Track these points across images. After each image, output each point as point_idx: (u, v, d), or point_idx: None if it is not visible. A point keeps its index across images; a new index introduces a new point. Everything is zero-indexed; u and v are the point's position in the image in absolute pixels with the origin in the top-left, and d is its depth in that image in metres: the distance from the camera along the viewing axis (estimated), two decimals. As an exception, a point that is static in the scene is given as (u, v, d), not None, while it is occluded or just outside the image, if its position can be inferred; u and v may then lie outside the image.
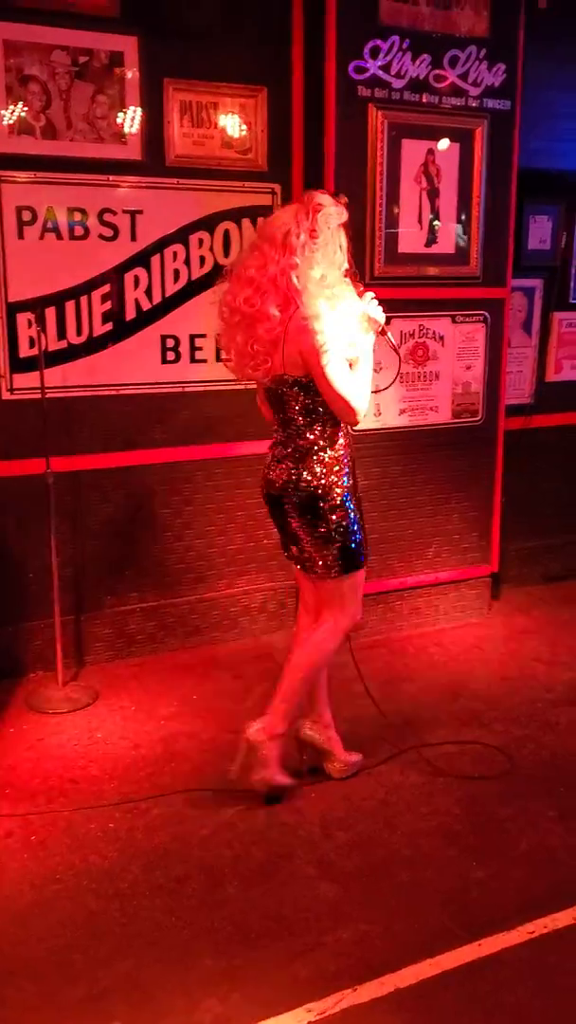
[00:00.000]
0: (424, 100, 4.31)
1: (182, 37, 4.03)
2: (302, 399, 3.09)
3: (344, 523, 3.15)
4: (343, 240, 3.06)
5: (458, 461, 4.81)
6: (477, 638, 4.80)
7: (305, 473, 3.12)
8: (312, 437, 3.12)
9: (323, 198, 3.05)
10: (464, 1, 4.32)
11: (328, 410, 3.08)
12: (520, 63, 4.49)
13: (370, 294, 3.16)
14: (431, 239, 4.50)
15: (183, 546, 4.51)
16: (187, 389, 4.33)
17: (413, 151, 4.35)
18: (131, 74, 3.96)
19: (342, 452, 3.17)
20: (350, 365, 3.08)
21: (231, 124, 4.19)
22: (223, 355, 3.29)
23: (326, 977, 2.55)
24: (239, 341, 3.09)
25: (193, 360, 4.31)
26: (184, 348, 4.28)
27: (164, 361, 4.26)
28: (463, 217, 4.54)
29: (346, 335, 3.04)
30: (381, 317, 3.15)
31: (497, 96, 4.47)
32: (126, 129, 4.00)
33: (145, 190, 4.09)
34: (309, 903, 2.83)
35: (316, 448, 3.13)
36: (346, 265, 3.09)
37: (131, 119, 4.00)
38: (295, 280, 2.95)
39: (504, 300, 4.76)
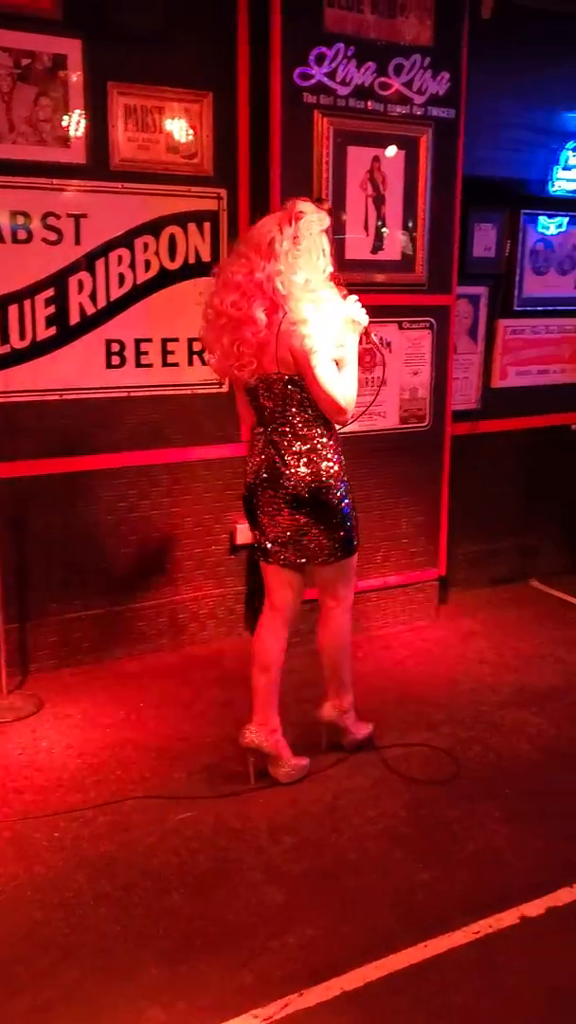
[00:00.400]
0: (369, 107, 4.34)
1: (127, 41, 4.01)
2: (298, 396, 3.22)
3: (349, 508, 3.37)
4: (325, 245, 3.20)
5: (406, 466, 4.83)
6: (425, 641, 4.83)
7: (313, 467, 3.27)
8: (317, 431, 3.27)
9: (305, 205, 3.18)
10: (408, 10, 4.36)
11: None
12: (464, 72, 4.54)
13: (353, 297, 3.28)
14: (377, 246, 4.53)
15: (129, 552, 4.47)
16: (132, 394, 4.30)
17: (359, 158, 4.38)
18: (75, 77, 3.94)
19: (338, 443, 3.35)
20: (337, 365, 3.20)
21: (176, 128, 4.19)
22: (207, 355, 3.41)
23: (272, 982, 2.54)
24: (225, 343, 3.21)
25: (139, 365, 4.29)
26: (129, 353, 4.25)
27: (109, 366, 4.23)
28: (409, 224, 4.57)
29: (332, 337, 3.17)
30: (364, 319, 3.27)
31: (442, 104, 4.51)
32: (70, 132, 3.98)
33: (89, 194, 4.06)
34: (256, 908, 2.82)
35: (321, 441, 3.28)
36: (330, 269, 3.23)
37: (75, 122, 3.97)
38: (280, 286, 3.09)
39: (450, 307, 4.81)
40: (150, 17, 4.03)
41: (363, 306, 3.27)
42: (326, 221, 3.21)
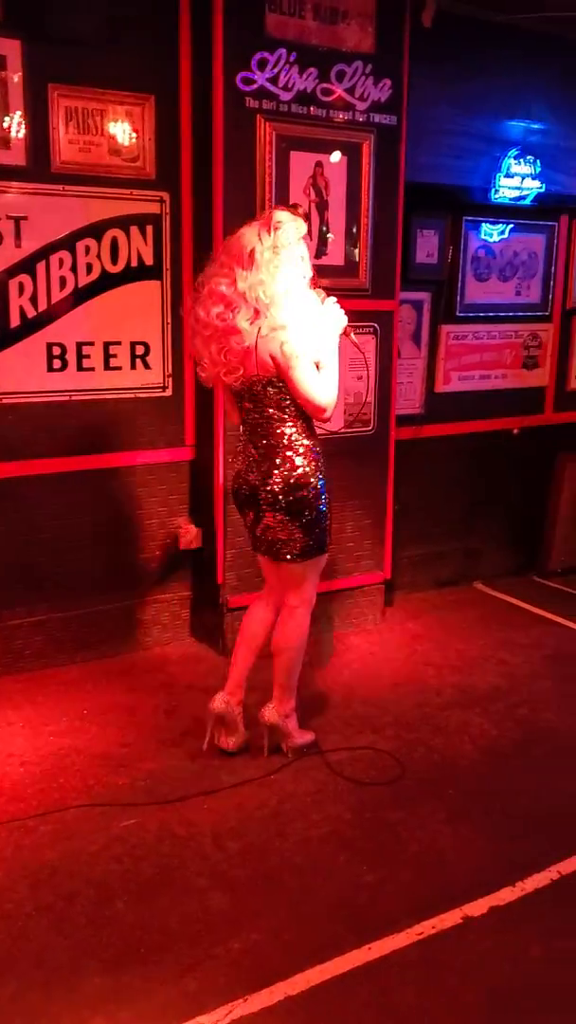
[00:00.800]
0: (312, 113, 4.35)
1: (68, 43, 3.97)
2: (276, 397, 3.33)
3: (324, 507, 3.45)
4: (304, 251, 3.33)
5: (351, 470, 4.84)
6: (371, 644, 4.85)
7: (287, 465, 3.37)
8: (293, 431, 3.38)
9: (281, 215, 3.31)
10: (350, 17, 4.39)
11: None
12: (406, 79, 4.58)
13: (332, 299, 3.40)
14: (321, 251, 4.53)
15: (72, 558, 4.43)
16: (74, 398, 4.26)
17: (302, 163, 4.39)
18: (15, 78, 3.89)
19: (315, 442, 3.44)
20: (316, 366, 3.31)
21: (119, 131, 4.16)
22: (197, 364, 3.50)
23: (216, 989, 2.52)
24: (212, 351, 3.33)
25: (80, 368, 4.25)
26: (71, 356, 4.21)
27: (50, 369, 4.18)
28: (352, 230, 4.59)
29: (313, 340, 3.29)
30: (343, 320, 3.38)
31: (384, 111, 4.54)
32: (10, 134, 3.93)
33: (30, 196, 4.01)
34: (200, 915, 2.81)
35: (294, 440, 3.38)
36: (309, 274, 3.36)
37: (15, 124, 3.93)
38: (262, 295, 3.21)
39: (393, 312, 4.84)
40: (92, 19, 4.00)
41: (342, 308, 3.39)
42: (303, 228, 3.33)
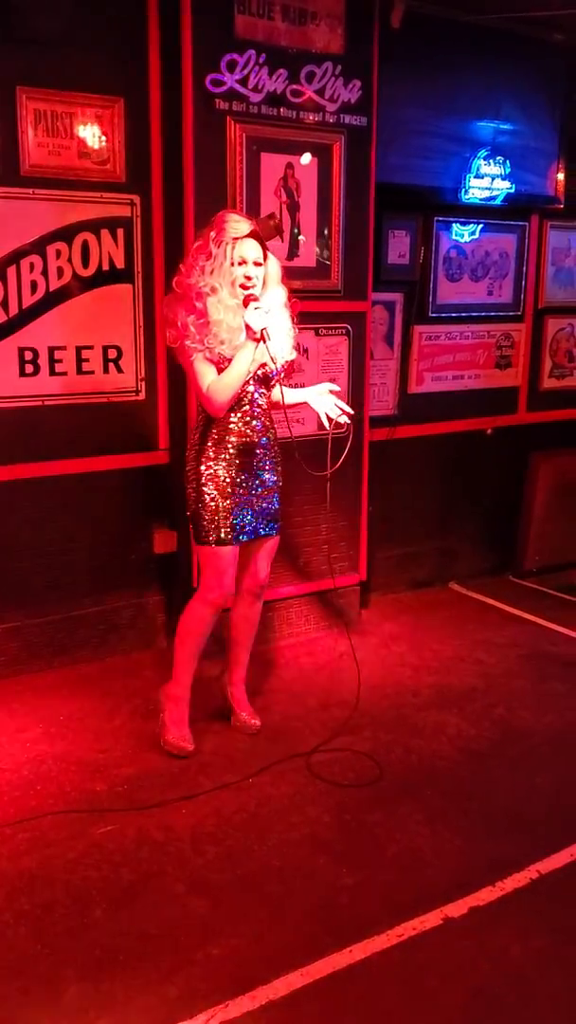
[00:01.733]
0: (282, 114, 4.34)
1: (35, 45, 3.95)
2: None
3: (193, 496, 3.60)
4: (237, 255, 3.40)
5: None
6: (347, 646, 4.83)
7: (186, 447, 3.68)
8: (195, 424, 3.63)
9: (229, 216, 3.47)
10: (319, 18, 4.39)
11: None
12: (375, 80, 4.58)
13: (253, 304, 3.39)
14: (293, 252, 4.53)
15: (45, 564, 4.40)
16: (47, 403, 4.23)
17: (272, 165, 4.38)
18: (-18, 81, 3.87)
19: (211, 438, 3.54)
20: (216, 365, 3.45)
21: (88, 134, 4.14)
22: None
23: (197, 995, 2.51)
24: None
25: (52, 373, 4.22)
26: (43, 361, 4.18)
27: (22, 374, 4.15)
28: (324, 231, 4.59)
29: (218, 340, 3.41)
30: (256, 325, 3.36)
31: (354, 112, 4.55)
32: (-22, 137, 3.91)
33: (-1, 199, 4.00)
34: (179, 921, 2.79)
35: (195, 427, 3.63)
36: (241, 279, 3.41)
37: (-17, 127, 3.91)
38: (195, 295, 3.40)
39: (365, 313, 4.84)
40: (59, 22, 3.97)
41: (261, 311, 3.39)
42: (239, 231, 3.41)
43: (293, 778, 3.56)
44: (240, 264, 3.40)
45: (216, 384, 3.43)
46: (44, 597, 4.42)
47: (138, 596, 4.67)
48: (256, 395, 3.58)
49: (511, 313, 5.80)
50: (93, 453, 4.39)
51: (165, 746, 3.71)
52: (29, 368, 4.16)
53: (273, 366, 3.54)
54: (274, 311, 3.50)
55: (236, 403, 3.52)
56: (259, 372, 3.55)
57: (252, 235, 3.44)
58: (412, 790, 3.51)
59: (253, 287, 3.43)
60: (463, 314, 5.59)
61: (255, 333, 3.37)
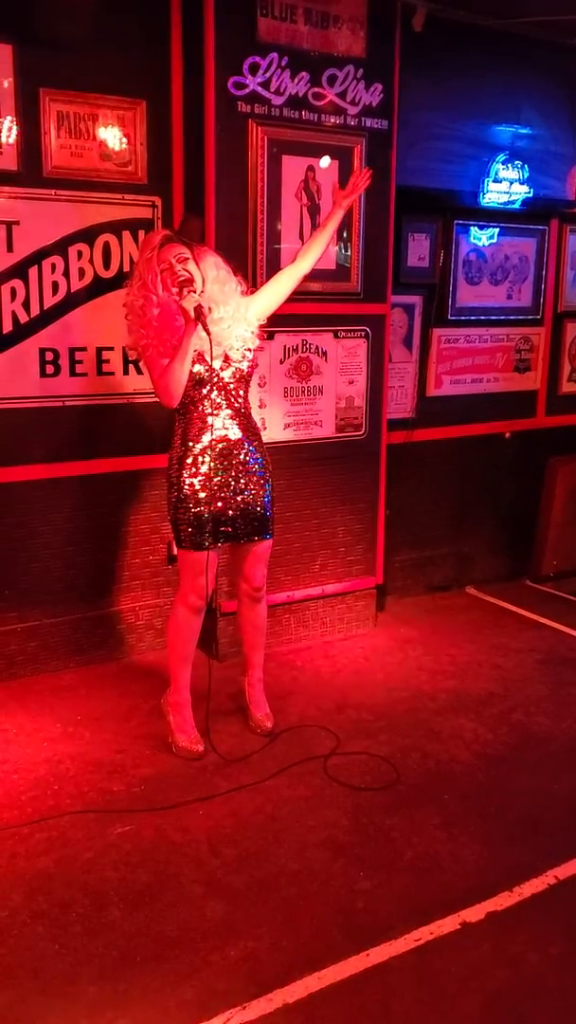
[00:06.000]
0: (303, 117, 4.35)
1: (59, 47, 3.96)
2: None
3: (173, 500, 3.62)
4: (160, 261, 3.43)
5: (343, 475, 4.85)
6: (363, 649, 4.85)
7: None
8: (176, 422, 3.65)
9: (144, 240, 3.65)
10: (341, 21, 4.39)
11: (182, 400, 3.52)
12: (396, 83, 4.59)
13: (193, 295, 3.36)
14: (313, 255, 4.54)
15: (64, 564, 4.41)
16: (67, 403, 4.25)
17: (293, 167, 4.39)
18: (6, 83, 3.88)
19: (189, 440, 3.57)
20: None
21: (110, 136, 4.15)
22: None
23: (214, 997, 2.51)
24: None
25: (73, 374, 4.24)
26: (64, 361, 4.20)
27: (43, 375, 4.17)
28: (344, 234, 4.60)
29: (167, 333, 3.46)
30: (188, 305, 3.34)
31: (375, 115, 4.55)
32: (1, 139, 3.92)
33: (21, 201, 4.00)
34: (196, 922, 2.79)
35: (175, 431, 3.65)
36: (168, 275, 3.42)
37: (6, 128, 3.92)
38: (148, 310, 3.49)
39: (385, 316, 4.84)
40: (83, 24, 3.98)
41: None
42: (154, 242, 3.47)
43: (310, 780, 3.56)
44: (165, 267, 3.41)
45: (164, 371, 3.43)
46: (62, 597, 4.43)
47: (156, 596, 4.68)
48: (234, 396, 3.60)
49: (530, 317, 5.79)
50: (112, 454, 4.41)
51: (176, 751, 3.72)
52: (50, 369, 4.18)
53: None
54: (213, 294, 3.46)
55: (213, 405, 3.54)
56: (237, 369, 3.57)
57: (170, 239, 3.46)
58: (429, 794, 3.50)
59: (183, 279, 3.39)
60: (482, 317, 5.58)
61: (190, 315, 3.34)
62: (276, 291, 3.72)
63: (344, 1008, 2.50)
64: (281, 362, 4.55)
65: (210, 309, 3.41)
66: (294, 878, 3.00)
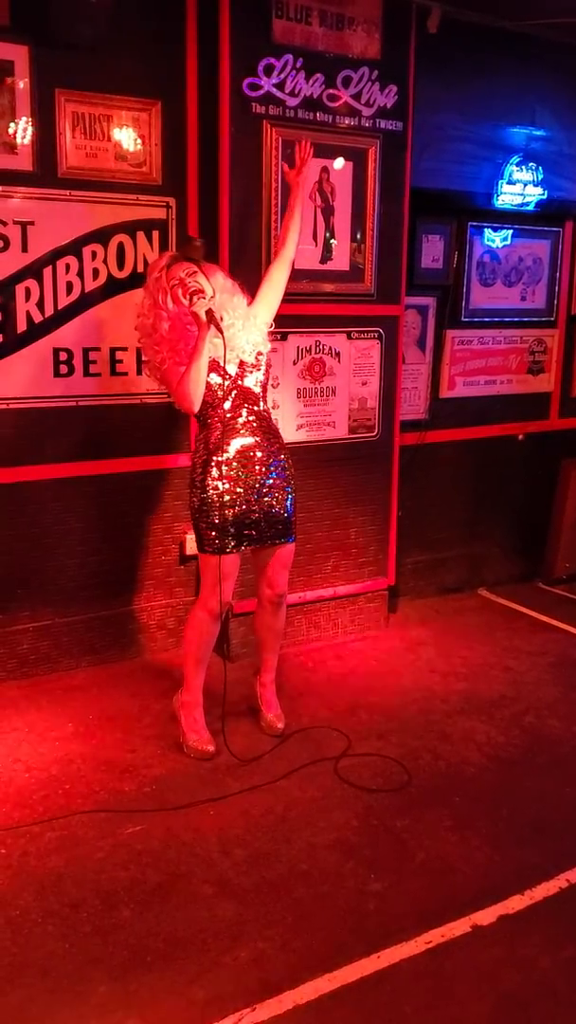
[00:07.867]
0: (318, 118, 4.35)
1: (74, 48, 3.97)
2: None
3: (196, 504, 3.63)
4: (170, 278, 3.47)
5: (355, 476, 4.85)
6: (375, 651, 4.84)
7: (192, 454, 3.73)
8: (199, 426, 3.68)
9: (152, 263, 3.65)
10: (356, 23, 4.39)
11: (203, 407, 3.57)
12: (411, 85, 4.58)
13: (202, 301, 3.37)
14: (326, 256, 4.54)
15: (76, 564, 4.42)
16: (81, 403, 4.26)
17: (307, 169, 4.37)
18: (22, 84, 3.89)
19: (211, 444, 3.58)
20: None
21: (125, 137, 4.16)
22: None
23: (224, 998, 2.51)
24: None
25: (87, 374, 4.24)
26: (78, 362, 4.21)
27: (57, 375, 4.18)
28: (357, 235, 4.59)
29: (181, 343, 3.50)
30: (200, 309, 3.37)
31: (389, 117, 4.55)
32: (17, 139, 3.93)
33: (36, 201, 4.01)
34: (207, 923, 2.79)
35: (197, 435, 3.70)
36: (178, 289, 3.45)
37: (22, 129, 3.93)
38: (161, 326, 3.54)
39: (398, 317, 4.84)
40: (99, 25, 3.97)
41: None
42: (161, 263, 3.53)
43: (321, 782, 3.56)
44: (175, 283, 3.45)
45: (182, 377, 3.47)
46: (75, 596, 4.44)
47: (168, 596, 4.68)
48: (254, 401, 3.63)
49: (544, 319, 5.77)
50: (125, 454, 4.42)
51: (187, 751, 3.73)
52: (64, 369, 4.19)
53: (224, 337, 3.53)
54: (223, 303, 3.50)
55: (234, 408, 3.57)
56: (254, 374, 3.61)
57: (176, 259, 3.51)
58: (440, 796, 3.49)
59: (194, 289, 3.41)
60: (496, 319, 5.57)
61: (202, 318, 3.37)
62: (275, 289, 3.76)
63: (355, 1010, 2.49)
64: (294, 363, 4.55)
65: (221, 317, 3.44)
66: (304, 879, 3.00)
